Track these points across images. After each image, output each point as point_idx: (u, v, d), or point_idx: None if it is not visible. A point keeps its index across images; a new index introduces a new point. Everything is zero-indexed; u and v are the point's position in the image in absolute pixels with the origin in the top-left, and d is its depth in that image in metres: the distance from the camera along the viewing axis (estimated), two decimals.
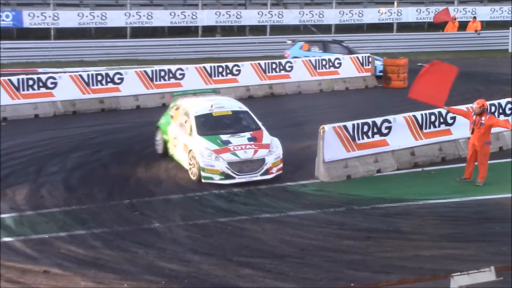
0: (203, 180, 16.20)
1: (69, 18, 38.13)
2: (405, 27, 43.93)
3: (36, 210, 14.47)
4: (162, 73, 25.69)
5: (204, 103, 18.12)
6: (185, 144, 17.07)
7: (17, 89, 23.27)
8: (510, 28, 40.90)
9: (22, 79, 23.54)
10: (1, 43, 34.70)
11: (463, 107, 18.11)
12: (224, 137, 16.80)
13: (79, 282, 11.16)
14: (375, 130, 17.41)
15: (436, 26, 41.70)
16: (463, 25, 41.22)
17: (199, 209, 14.64)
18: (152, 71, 25.73)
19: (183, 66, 26.59)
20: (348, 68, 28.73)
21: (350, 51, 30.27)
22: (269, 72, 27.37)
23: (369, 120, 17.43)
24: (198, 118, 17.34)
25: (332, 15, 41.89)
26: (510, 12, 44.05)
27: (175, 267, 11.76)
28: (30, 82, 23.58)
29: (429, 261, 12.00)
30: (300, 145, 19.35)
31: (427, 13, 43.11)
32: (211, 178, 16.16)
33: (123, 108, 24.72)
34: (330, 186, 16.24)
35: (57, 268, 11.63)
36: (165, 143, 18.25)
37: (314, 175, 16.77)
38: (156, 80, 25.48)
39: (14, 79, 23.43)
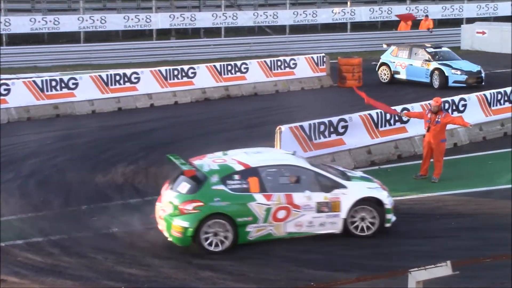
0: None
1: (21, 24, 37.68)
2: (358, 26, 44.30)
3: None
4: (117, 77, 25.53)
5: None
6: None
7: None
8: (462, 26, 41.58)
9: None
10: None
11: (418, 108, 18.36)
12: None
13: None
14: (332, 130, 17.52)
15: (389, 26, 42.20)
16: (415, 24, 41.71)
17: None
18: (107, 75, 25.55)
19: (138, 70, 26.48)
20: (303, 69, 28.87)
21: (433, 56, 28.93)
22: (224, 74, 27.37)
23: (326, 120, 17.53)
24: None
25: (286, 16, 42.04)
26: (461, 10, 44.73)
27: (134, 271, 11.69)
28: None
29: (387, 258, 12.13)
30: (258, 146, 19.30)
31: (380, 12, 43.54)
32: None
33: (78, 113, 24.49)
34: None
35: (14, 276, 11.48)
36: None
37: None
38: (112, 85, 25.31)
39: None
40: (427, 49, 28.77)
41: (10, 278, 11.40)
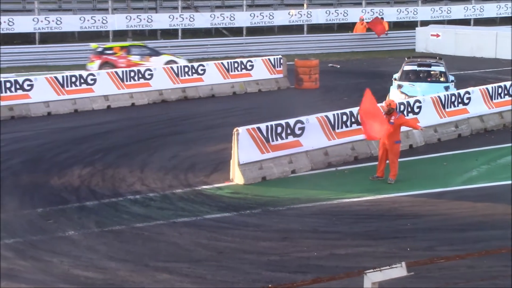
0: None
1: None
2: (315, 28, 44.55)
3: None
4: (73, 79, 25.28)
5: None
6: None
7: None
8: (416, 28, 42.08)
9: None
10: None
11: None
12: None
13: None
14: (289, 131, 17.59)
15: (346, 28, 42.51)
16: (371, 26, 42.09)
17: (115, 215, 14.50)
18: (63, 77, 25.30)
19: (94, 72, 26.28)
20: (261, 70, 28.93)
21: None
22: (182, 76, 27.30)
23: (283, 122, 17.60)
24: None
25: (243, 18, 42.10)
26: (415, 13, 45.26)
27: (91, 274, 11.62)
28: None
29: (344, 259, 12.24)
30: (215, 148, 19.38)
31: (336, 15, 43.84)
32: None
33: (33, 115, 24.19)
34: (245, 188, 16.33)
35: None
36: None
37: (230, 178, 16.84)
38: (68, 86, 25.05)
39: None
40: None
41: None
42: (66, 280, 11.38)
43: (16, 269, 11.82)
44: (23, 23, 38.00)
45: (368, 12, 43.49)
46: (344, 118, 18.63)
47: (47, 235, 13.38)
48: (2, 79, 24.56)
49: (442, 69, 24.37)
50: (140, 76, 26.45)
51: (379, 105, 17.13)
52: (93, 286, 11.23)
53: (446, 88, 22.89)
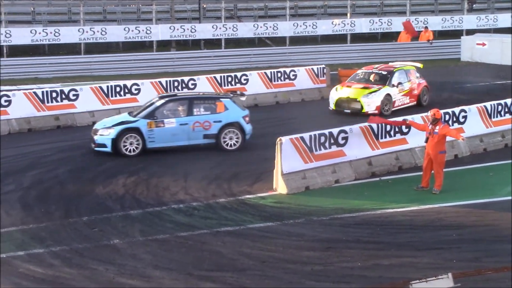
0: None
1: (22, 35, 37.70)
2: (358, 37, 44.38)
3: None
4: (118, 89, 25.57)
5: None
6: None
7: None
8: (462, 37, 41.65)
9: None
10: None
11: (418, 118, 18.44)
12: None
13: None
14: (332, 141, 17.54)
15: (390, 37, 42.30)
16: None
17: (159, 224, 14.59)
18: (107, 86, 25.58)
19: (138, 81, 26.53)
20: (304, 80, 28.90)
21: None
22: (225, 85, 27.41)
23: (326, 131, 17.56)
24: None
25: (286, 27, 42.11)
26: (461, 22, 44.79)
27: (135, 283, 11.70)
28: None
29: (388, 269, 12.12)
30: (258, 158, 19.39)
31: (380, 24, 43.61)
32: None
33: (79, 125, 24.49)
34: (289, 198, 16.31)
35: None
36: None
37: (273, 187, 16.84)
38: (112, 96, 25.34)
39: None
40: None
41: None
42: None
43: (62, 276, 11.97)
44: (69, 34, 38.50)
45: (412, 21, 43.18)
46: (388, 127, 18.50)
47: (92, 243, 13.52)
48: (48, 89, 24.92)
49: (158, 104, 20.74)
50: (183, 86, 26.65)
51: (424, 115, 16.97)
52: None
53: (123, 123, 20.24)
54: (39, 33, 37.84)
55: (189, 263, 12.51)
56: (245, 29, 41.58)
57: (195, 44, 42.57)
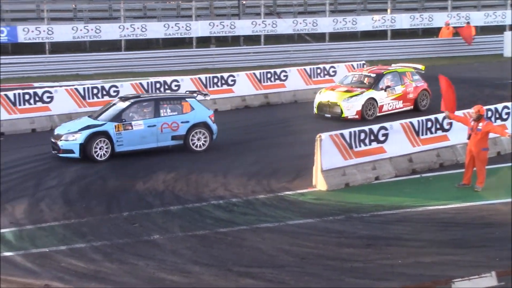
0: None
1: (63, 32, 38.15)
2: (399, 33, 44.04)
3: (35, 224, 14.46)
4: (158, 85, 25.72)
5: None
6: None
7: (14, 104, 23.26)
8: (504, 33, 41.09)
9: (19, 93, 23.53)
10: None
11: (461, 114, 18.21)
12: None
13: None
14: (372, 138, 17.43)
15: (431, 33, 41.95)
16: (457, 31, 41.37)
17: (199, 220, 14.64)
18: (147, 83, 25.75)
19: (178, 78, 26.64)
20: (343, 76, 28.72)
21: None
22: (264, 82, 27.42)
23: (366, 128, 17.47)
24: None
25: (326, 24, 41.97)
26: (504, 17, 44.21)
27: (175, 278, 11.75)
28: (27, 97, 23.58)
29: (429, 267, 12.00)
30: (297, 154, 19.35)
31: (421, 20, 43.24)
32: None
33: None
34: (328, 195, 16.25)
35: (58, 281, 11.62)
36: None
37: (312, 184, 16.79)
38: (152, 92, 25.48)
39: (10, 94, 23.42)
40: None
41: (54, 284, 11.54)
42: (152, 283, 11.54)
43: (103, 271, 12.07)
44: (109, 31, 38.86)
45: (454, 17, 42.76)
46: (429, 124, 18.34)
47: (133, 239, 13.61)
48: (90, 86, 25.15)
49: (124, 105, 19.96)
50: (223, 82, 26.73)
51: (466, 111, 16.77)
52: None
53: (89, 127, 19.35)
54: (81, 30, 38.26)
55: (229, 259, 12.53)
56: (285, 26, 41.54)
57: (235, 40, 42.65)
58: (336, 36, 42.56)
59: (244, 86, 27.06)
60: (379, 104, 24.03)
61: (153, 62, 36.46)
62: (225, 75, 27.10)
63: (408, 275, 11.65)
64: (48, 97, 23.88)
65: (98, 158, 19.07)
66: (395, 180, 17.44)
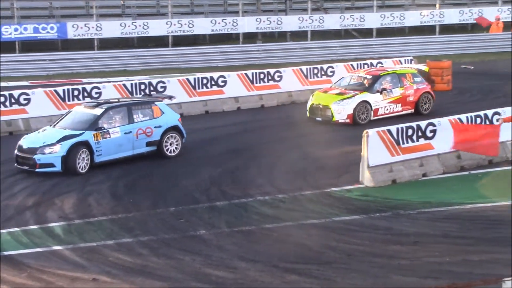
0: None
1: (111, 28, 38.52)
2: (448, 29, 43.50)
3: (83, 218, 14.64)
4: (205, 81, 25.80)
5: None
6: None
7: (63, 99, 23.52)
8: None
9: (68, 89, 23.80)
10: (46, 54, 35.47)
11: (509, 111, 17.96)
12: None
13: None
14: (420, 134, 17.26)
15: (481, 28, 41.40)
16: (507, 26, 40.66)
17: (244, 216, 14.67)
18: (194, 79, 25.85)
19: (225, 74, 26.66)
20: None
21: None
22: (310, 78, 27.33)
23: (414, 124, 17.30)
24: None
25: (373, 19, 41.66)
26: None
27: (221, 273, 11.79)
28: (76, 93, 23.82)
29: (478, 265, 11.84)
30: (344, 150, 19.27)
31: (470, 14, 42.65)
32: None
33: None
34: (375, 191, 16.14)
35: (105, 275, 11.75)
36: None
37: (359, 180, 16.69)
38: (199, 88, 25.59)
39: (60, 89, 23.69)
40: None
41: (102, 277, 11.67)
42: (198, 279, 11.59)
43: (150, 266, 12.16)
44: (157, 27, 39.12)
45: (504, 11, 42.05)
46: (478, 121, 18.07)
47: (179, 234, 13.69)
48: (137, 81, 25.36)
49: (98, 112, 18.59)
50: (269, 78, 26.69)
51: None
52: (223, 285, 11.38)
53: (66, 138, 17.82)
54: (129, 26, 38.59)
55: (275, 255, 12.52)
56: (332, 21, 41.36)
57: (281, 36, 42.58)
58: (384, 32, 42.22)
59: (290, 81, 26.98)
60: (373, 108, 22.76)
61: (199, 58, 36.61)
62: (272, 71, 27.06)
63: (456, 273, 11.52)
64: (96, 93, 24.08)
65: (81, 171, 17.67)
66: (443, 177, 17.23)
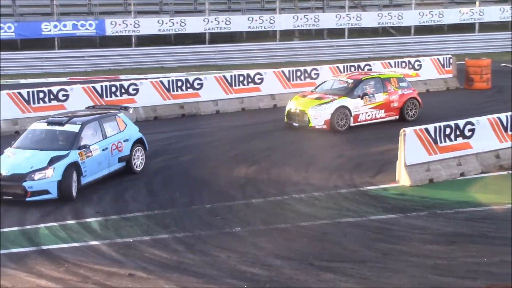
0: None
1: (149, 25, 38.80)
2: (487, 26, 43.01)
3: (120, 214, 14.74)
4: (241, 78, 25.84)
5: None
6: None
7: (101, 95, 23.75)
8: None
9: (105, 86, 24.01)
10: (85, 51, 35.82)
11: None
12: None
13: (163, 286, 11.31)
14: (458, 133, 17.08)
15: None
16: None
17: (280, 213, 14.65)
18: (231, 76, 25.91)
19: (261, 71, 26.69)
20: (429, 70, 28.30)
21: None
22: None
23: (452, 123, 17.13)
24: None
25: (411, 16, 41.38)
26: None
27: (257, 271, 11.79)
28: (113, 89, 24.04)
29: None
30: (380, 149, 19.17)
31: (511, 12, 42.07)
32: None
33: (203, 113, 24.93)
34: (412, 190, 16.02)
35: (141, 271, 11.82)
36: None
37: (395, 179, 16.58)
38: (235, 85, 25.64)
39: (97, 86, 23.92)
40: None
41: (138, 273, 11.74)
42: (233, 276, 11.61)
43: (185, 262, 12.20)
44: (194, 24, 39.30)
45: None
46: None
47: (215, 231, 13.72)
48: (174, 78, 25.49)
49: (75, 129, 16.52)
50: (306, 75, 26.65)
51: None
52: (258, 282, 11.38)
53: (54, 160, 15.57)
54: (166, 23, 38.83)
55: (310, 253, 12.49)
56: (369, 19, 41.17)
57: (318, 33, 42.47)
58: (422, 29, 41.89)
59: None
60: (353, 113, 21.72)
61: (236, 55, 36.71)
62: (308, 68, 27.00)
63: (494, 273, 11.39)
64: (134, 89, 24.29)
65: (74, 195, 15.69)
66: (481, 176, 17.04)
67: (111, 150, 17.00)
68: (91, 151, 16.37)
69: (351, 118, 21.72)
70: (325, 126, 21.42)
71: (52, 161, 15.53)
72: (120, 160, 17.30)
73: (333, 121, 21.41)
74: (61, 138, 16.48)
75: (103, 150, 16.75)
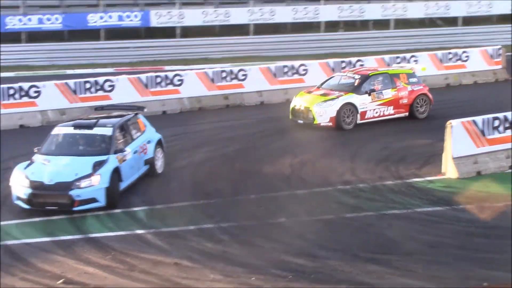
0: None
1: (194, 17, 38.84)
2: None
3: (166, 204, 14.84)
4: (285, 69, 25.75)
5: None
6: None
7: (146, 86, 23.89)
8: None
9: (151, 77, 24.15)
10: (130, 42, 36.11)
11: None
12: None
13: (208, 275, 11.37)
14: (507, 125, 16.81)
15: None
16: None
17: (325, 205, 14.60)
18: (275, 67, 25.85)
19: (306, 62, 26.56)
20: (477, 62, 27.88)
21: None
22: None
23: (500, 115, 16.86)
24: None
25: (459, 7, 40.75)
26: None
27: (301, 261, 11.78)
28: (158, 80, 24.16)
29: None
30: (426, 141, 18.95)
31: None
32: None
33: (247, 104, 24.92)
34: (458, 182, 15.82)
35: (187, 260, 11.89)
36: None
37: (442, 171, 16.39)
38: (279, 76, 25.57)
39: (143, 77, 24.04)
40: None
41: (183, 262, 11.82)
42: (278, 266, 11.61)
43: (230, 252, 12.25)
44: (238, 15, 39.26)
45: None
46: None
47: (259, 221, 13.74)
48: (219, 69, 25.53)
49: (108, 132, 15.72)
50: (351, 66, 26.42)
51: None
52: (303, 273, 11.36)
53: (97, 166, 14.76)
54: (210, 14, 38.82)
55: (355, 245, 12.44)
56: (415, 9, 40.64)
57: (363, 24, 42.11)
58: (470, 20, 41.28)
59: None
60: (360, 110, 20.93)
61: (280, 47, 36.58)
62: (353, 59, 26.79)
63: None
64: (178, 80, 24.36)
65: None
66: None
67: (139, 153, 16.28)
68: (126, 155, 15.57)
69: (358, 115, 21.00)
70: (330, 124, 20.69)
71: (95, 167, 14.73)
72: (146, 162, 16.57)
73: (339, 118, 20.66)
74: (96, 142, 15.62)
75: (134, 153, 16.00)
